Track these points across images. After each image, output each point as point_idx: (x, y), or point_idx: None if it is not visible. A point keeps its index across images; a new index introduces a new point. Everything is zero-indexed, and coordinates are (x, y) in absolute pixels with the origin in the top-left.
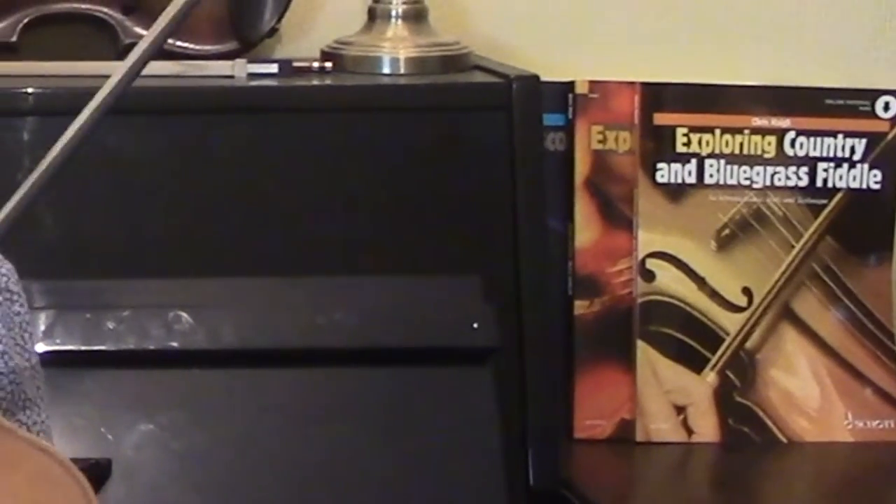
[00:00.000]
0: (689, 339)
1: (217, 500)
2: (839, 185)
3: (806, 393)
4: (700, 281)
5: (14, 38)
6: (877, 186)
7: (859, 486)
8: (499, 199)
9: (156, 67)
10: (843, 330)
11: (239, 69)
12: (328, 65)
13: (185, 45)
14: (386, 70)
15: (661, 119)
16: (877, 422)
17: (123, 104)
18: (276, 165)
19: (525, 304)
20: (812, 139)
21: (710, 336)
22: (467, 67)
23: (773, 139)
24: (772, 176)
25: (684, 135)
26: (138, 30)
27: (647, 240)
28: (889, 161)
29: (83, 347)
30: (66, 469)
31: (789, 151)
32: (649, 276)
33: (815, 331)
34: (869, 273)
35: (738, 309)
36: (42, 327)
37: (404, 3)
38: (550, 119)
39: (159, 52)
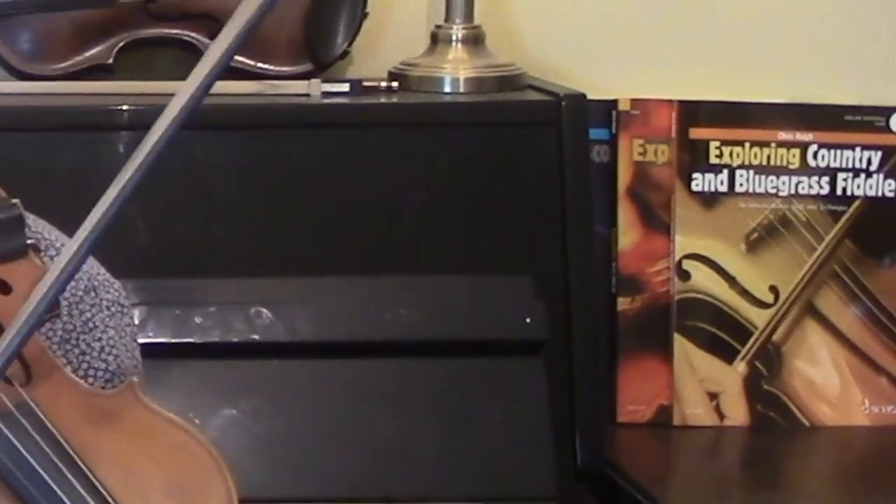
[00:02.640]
0: (721, 333)
1: (294, 479)
2: (857, 193)
3: (827, 381)
4: (731, 280)
5: (110, 61)
6: (891, 194)
7: (876, 466)
8: (549, 206)
9: (238, 87)
10: (861, 324)
11: (314, 88)
12: (395, 84)
13: (265, 66)
14: (447, 89)
15: (695, 133)
16: (891, 407)
17: (209, 120)
18: (348, 175)
19: (573, 300)
20: (832, 151)
21: (740, 330)
22: (521, 87)
23: (797, 152)
24: (796, 185)
25: (717, 148)
26: None
27: (684, 243)
28: None
29: (173, 340)
30: (203, 446)
31: (812, 163)
32: (685, 275)
33: (836, 325)
34: (884, 273)
35: (765, 305)
36: (135, 322)
37: (464, 28)
38: (596, 133)
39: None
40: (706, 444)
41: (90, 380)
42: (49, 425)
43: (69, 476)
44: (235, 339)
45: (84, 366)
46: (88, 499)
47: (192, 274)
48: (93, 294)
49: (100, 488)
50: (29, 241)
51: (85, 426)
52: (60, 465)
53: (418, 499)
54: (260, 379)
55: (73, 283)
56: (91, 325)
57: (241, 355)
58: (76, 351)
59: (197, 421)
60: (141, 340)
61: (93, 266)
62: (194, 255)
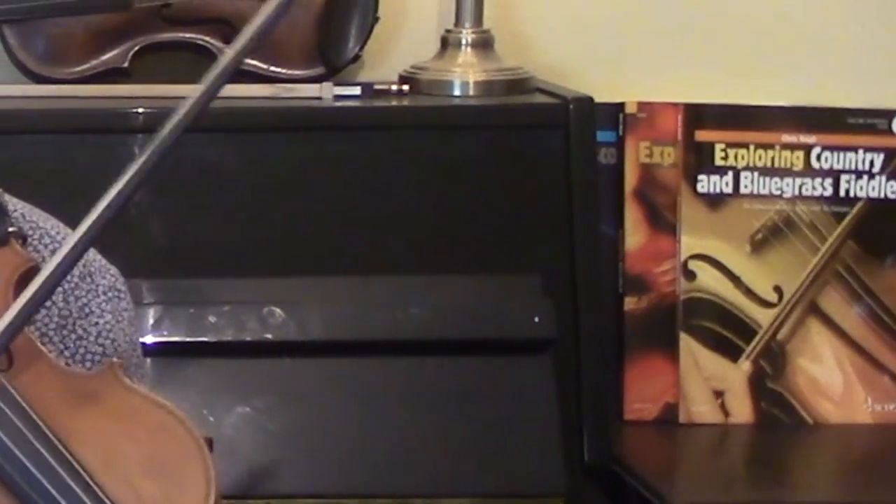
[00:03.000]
0: (726, 332)
1: (306, 475)
2: (860, 194)
3: (830, 380)
4: (736, 280)
5: (126, 64)
6: (893, 196)
7: (878, 463)
8: (557, 207)
9: (252, 90)
10: (864, 324)
11: (326, 91)
12: (405, 87)
13: (278, 69)
14: (457, 92)
15: (701, 136)
16: (894, 405)
17: (223, 123)
18: (359, 177)
19: (580, 300)
20: (835, 154)
21: (745, 329)
22: (529, 90)
23: (800, 154)
24: (800, 187)
25: (722, 150)
26: None
27: (689, 243)
28: None
29: (187, 339)
30: (181, 423)
31: (815, 165)
32: (691, 275)
33: (839, 324)
34: (886, 273)
35: (769, 305)
36: (151, 321)
37: (473, 32)
38: (603, 136)
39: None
40: (711, 441)
41: (87, 364)
42: (28, 409)
43: (49, 458)
44: (249, 338)
45: (81, 350)
46: (68, 480)
47: (206, 274)
48: (89, 280)
49: (79, 469)
50: (10, 230)
51: (65, 408)
52: (40, 447)
53: (428, 494)
54: (273, 377)
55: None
56: (87, 310)
57: (254, 354)
58: (73, 336)
59: (211, 418)
60: (156, 339)
61: (89, 253)
62: (209, 256)
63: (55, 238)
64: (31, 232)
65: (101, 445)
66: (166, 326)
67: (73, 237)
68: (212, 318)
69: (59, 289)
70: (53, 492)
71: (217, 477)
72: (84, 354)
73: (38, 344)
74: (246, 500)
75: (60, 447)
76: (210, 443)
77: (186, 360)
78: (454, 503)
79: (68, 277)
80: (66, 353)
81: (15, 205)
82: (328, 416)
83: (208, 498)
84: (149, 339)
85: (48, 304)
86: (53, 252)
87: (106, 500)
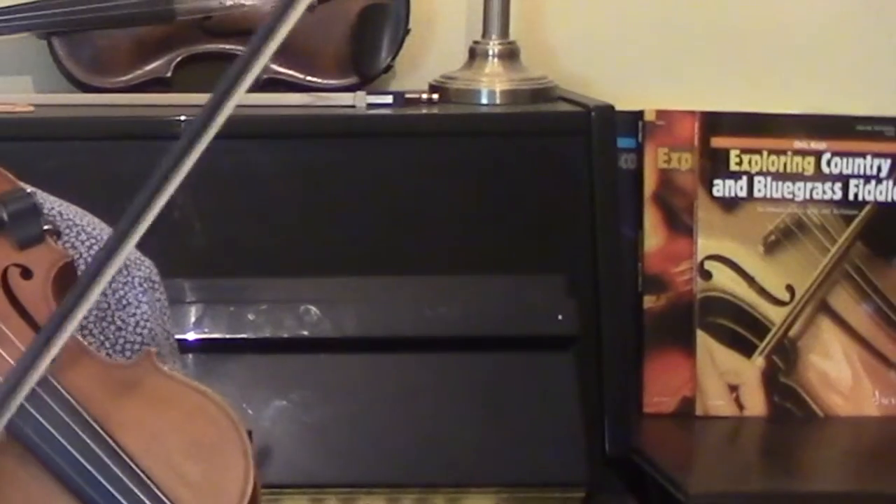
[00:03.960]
0: (740, 329)
1: (340, 465)
2: (868, 198)
3: (840, 374)
4: (750, 279)
5: (168, 74)
6: None
7: (885, 454)
8: (579, 210)
9: (289, 98)
10: (872, 321)
11: (359, 100)
12: (435, 96)
13: (314, 79)
14: (484, 101)
15: (717, 142)
16: None
17: (262, 129)
18: (391, 181)
19: (602, 298)
20: (845, 159)
21: (759, 326)
22: (553, 98)
23: (811, 159)
24: (811, 191)
25: (737, 156)
26: (274, 66)
27: (705, 245)
28: None
29: (227, 336)
30: (219, 407)
31: (825, 170)
32: (707, 275)
33: (848, 322)
34: (893, 273)
35: (782, 303)
36: (192, 319)
37: (499, 43)
38: (623, 142)
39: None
40: (727, 433)
41: (127, 353)
42: (72, 401)
43: (94, 447)
44: (286, 335)
45: (121, 340)
46: (113, 467)
47: (245, 274)
48: (125, 272)
49: (124, 456)
50: (46, 228)
51: (108, 398)
52: (85, 437)
53: (456, 485)
54: (309, 372)
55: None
56: (124, 301)
57: (290, 350)
58: (112, 327)
59: (250, 411)
60: (198, 336)
61: None
62: (248, 257)
63: (91, 234)
64: (67, 229)
65: (143, 432)
66: (207, 324)
67: (105, 248)
68: (251, 316)
69: None
70: (101, 479)
71: (255, 457)
72: (124, 344)
73: (80, 338)
74: (282, 489)
75: (105, 436)
76: (249, 434)
77: (227, 356)
78: (481, 493)
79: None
80: (107, 344)
81: (52, 203)
82: (361, 410)
83: (248, 476)
84: (191, 335)
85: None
86: (90, 248)
87: (151, 485)
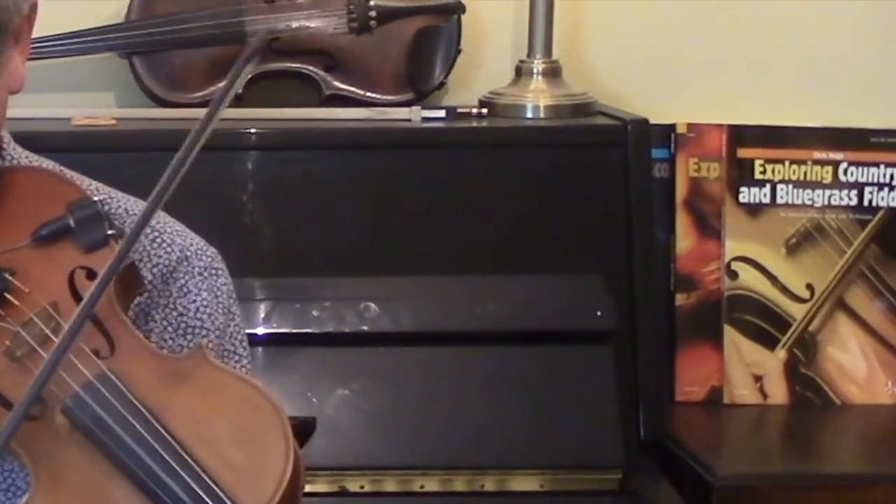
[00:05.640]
0: (764, 324)
1: (397, 449)
2: (881, 204)
3: (855, 366)
4: (773, 279)
5: (240, 90)
6: None
7: None
8: (616, 215)
9: (350, 112)
10: (885, 317)
11: (415, 114)
12: (484, 111)
13: (373, 95)
14: (529, 115)
15: (743, 153)
16: None
17: (325, 141)
18: (443, 189)
19: (637, 296)
20: (860, 168)
21: (781, 322)
22: (592, 113)
23: (829, 168)
24: (828, 197)
25: (761, 165)
26: (337, 83)
27: (732, 247)
28: None
29: (293, 330)
30: (262, 394)
31: (842, 178)
32: (734, 275)
33: (863, 317)
34: None
35: (802, 300)
36: (262, 315)
37: (543, 62)
38: (657, 153)
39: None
40: (752, 420)
41: (188, 337)
42: (127, 393)
43: (146, 435)
44: (347, 330)
45: (183, 325)
46: (162, 453)
47: (310, 274)
48: (185, 263)
49: (172, 442)
50: (110, 233)
51: (161, 387)
52: (138, 426)
53: (504, 467)
54: (368, 364)
55: (165, 256)
56: (185, 290)
57: (352, 343)
58: (174, 314)
59: (315, 400)
60: (266, 331)
61: (186, 238)
62: (312, 258)
63: (155, 228)
64: (132, 224)
65: (193, 419)
66: (275, 320)
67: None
68: (315, 313)
69: (160, 272)
70: (151, 464)
71: (295, 440)
72: (185, 329)
73: (137, 332)
74: (344, 471)
75: (157, 425)
76: (314, 422)
77: (293, 350)
78: (526, 475)
79: (167, 262)
80: (170, 329)
81: (119, 201)
82: (416, 398)
83: (287, 459)
84: (260, 330)
85: (150, 287)
86: (153, 240)
87: (197, 469)
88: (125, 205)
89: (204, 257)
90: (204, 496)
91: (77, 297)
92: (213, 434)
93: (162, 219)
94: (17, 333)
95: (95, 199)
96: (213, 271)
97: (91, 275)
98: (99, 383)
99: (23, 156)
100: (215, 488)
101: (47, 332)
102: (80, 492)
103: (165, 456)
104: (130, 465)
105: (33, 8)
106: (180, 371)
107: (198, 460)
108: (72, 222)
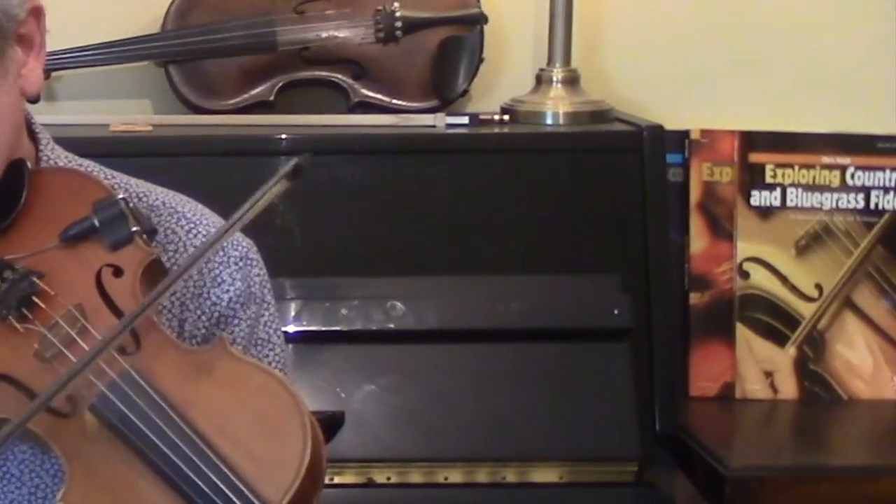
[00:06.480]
0: (775, 322)
1: (422, 442)
2: (887, 207)
3: (862, 362)
4: (783, 279)
5: (271, 98)
6: None
7: None
8: (633, 217)
9: (376, 119)
10: (890, 315)
11: (439, 120)
12: (506, 117)
13: (399, 102)
14: (549, 121)
15: (754, 158)
16: None
17: (353, 146)
18: (467, 192)
19: (653, 295)
20: (867, 173)
21: (791, 320)
22: (609, 119)
23: (837, 173)
24: (837, 201)
25: (771, 170)
26: (364, 91)
27: (744, 248)
28: None
29: (323, 328)
30: (281, 384)
31: (850, 182)
32: (745, 275)
33: (869, 316)
34: None
35: (811, 300)
36: (292, 313)
37: (563, 71)
38: (671, 158)
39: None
40: (763, 414)
41: (221, 325)
42: (151, 392)
43: (169, 433)
44: (374, 328)
45: (216, 314)
46: (185, 449)
47: (339, 274)
48: (221, 253)
49: (195, 438)
50: (134, 230)
51: (184, 380)
52: (161, 423)
53: (525, 459)
54: (394, 360)
55: (202, 245)
56: (219, 280)
57: (379, 341)
58: (207, 303)
59: (343, 395)
60: (296, 328)
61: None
62: (341, 259)
63: (191, 219)
64: (169, 216)
65: (214, 412)
66: (305, 318)
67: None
68: (343, 311)
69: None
70: (175, 459)
71: (314, 426)
72: (218, 318)
73: (162, 327)
74: (371, 462)
75: (180, 421)
76: (342, 416)
77: (322, 347)
78: (546, 467)
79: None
80: (203, 318)
81: (158, 195)
82: (440, 393)
83: (306, 448)
84: (290, 328)
85: (186, 276)
86: (188, 231)
87: (220, 463)
88: (163, 198)
89: (240, 247)
90: (226, 489)
91: (104, 295)
92: (235, 426)
93: (199, 211)
94: (44, 336)
95: (119, 196)
96: (248, 261)
97: (118, 272)
98: (123, 382)
99: (61, 156)
100: (237, 481)
101: (73, 334)
102: (111, 485)
103: (189, 451)
104: (156, 461)
105: (36, 12)
106: (202, 364)
107: (220, 454)
108: (97, 222)
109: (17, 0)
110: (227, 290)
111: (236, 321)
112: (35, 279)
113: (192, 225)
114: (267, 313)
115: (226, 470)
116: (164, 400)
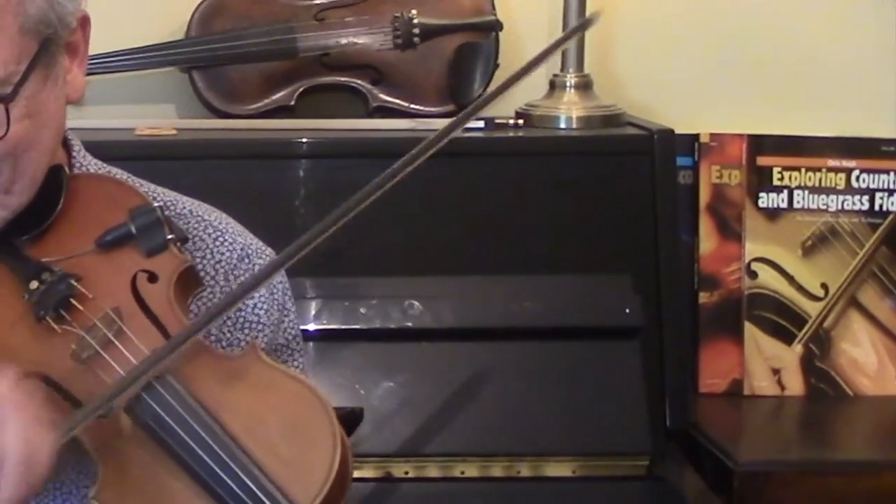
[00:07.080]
0: (782, 321)
1: (439, 437)
2: (891, 209)
3: (867, 360)
4: (790, 278)
5: (292, 102)
6: None
7: None
8: (644, 219)
9: (394, 123)
10: (895, 314)
11: None
12: (520, 121)
13: (417, 106)
14: (562, 126)
15: (762, 161)
16: None
17: (371, 151)
18: (483, 194)
19: (663, 294)
20: (871, 175)
21: (798, 318)
22: (621, 123)
23: (843, 176)
24: (842, 202)
25: (779, 172)
26: (383, 96)
27: (752, 248)
28: None
29: (343, 327)
30: (312, 391)
31: (855, 185)
32: (753, 275)
33: (874, 315)
34: None
35: (817, 299)
36: (313, 312)
37: (576, 76)
38: (681, 161)
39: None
40: (770, 410)
41: (245, 330)
42: (186, 394)
43: (202, 434)
44: (393, 326)
45: (241, 320)
46: (217, 450)
47: (358, 273)
48: (246, 261)
49: (227, 440)
50: (169, 237)
51: (218, 387)
52: (195, 425)
53: (539, 454)
54: (412, 358)
55: (227, 254)
56: (245, 286)
57: (397, 339)
58: (234, 308)
59: (362, 392)
60: (317, 327)
61: (246, 237)
62: (360, 259)
63: (217, 227)
64: (196, 224)
65: (246, 416)
66: (326, 316)
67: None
68: (363, 310)
69: (222, 269)
70: (207, 460)
71: (342, 431)
72: (243, 323)
73: (201, 338)
74: (389, 457)
75: (213, 423)
76: (361, 412)
77: (342, 345)
78: (559, 461)
79: (228, 259)
80: (229, 323)
81: (185, 203)
82: (457, 390)
83: (335, 453)
84: (311, 326)
85: (212, 283)
86: (215, 239)
87: (251, 465)
88: (189, 207)
89: (264, 256)
90: (257, 491)
91: (139, 299)
92: (267, 430)
93: (224, 220)
94: (82, 338)
95: (155, 205)
96: None
97: (153, 277)
98: (159, 385)
99: (91, 163)
100: (268, 484)
101: (110, 336)
102: (142, 485)
103: (222, 454)
104: (189, 462)
105: (84, 21)
106: (235, 370)
107: (252, 457)
108: (133, 229)
109: (71, 8)
110: (252, 296)
111: (260, 326)
112: (73, 282)
113: (218, 233)
114: (287, 319)
115: (258, 473)
116: (199, 403)
